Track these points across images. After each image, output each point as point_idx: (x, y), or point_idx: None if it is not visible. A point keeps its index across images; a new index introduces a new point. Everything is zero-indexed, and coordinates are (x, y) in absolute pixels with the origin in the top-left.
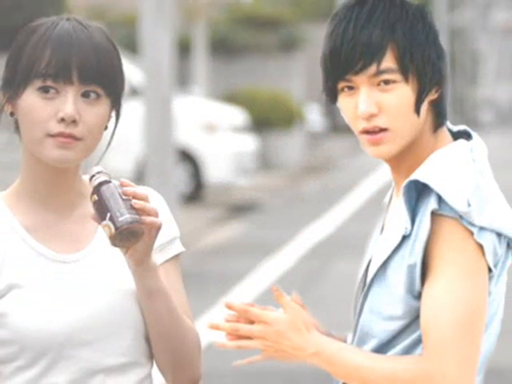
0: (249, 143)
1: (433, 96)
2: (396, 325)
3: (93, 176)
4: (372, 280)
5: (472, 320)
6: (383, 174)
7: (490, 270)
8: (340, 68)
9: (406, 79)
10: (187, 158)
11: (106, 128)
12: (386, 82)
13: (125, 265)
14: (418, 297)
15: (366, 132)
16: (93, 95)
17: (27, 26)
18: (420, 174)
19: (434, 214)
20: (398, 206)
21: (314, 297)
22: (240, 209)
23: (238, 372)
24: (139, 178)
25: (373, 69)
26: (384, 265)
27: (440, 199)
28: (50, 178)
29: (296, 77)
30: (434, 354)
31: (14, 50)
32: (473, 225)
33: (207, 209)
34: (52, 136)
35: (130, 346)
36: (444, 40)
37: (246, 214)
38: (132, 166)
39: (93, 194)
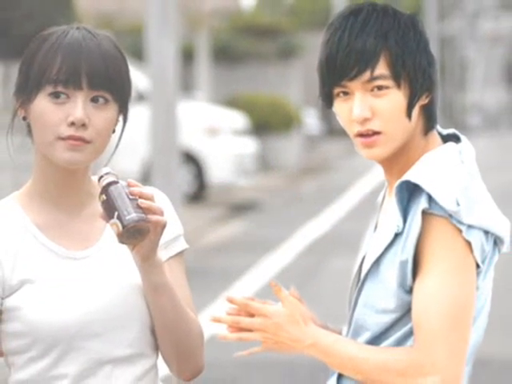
0: (249, 146)
1: (424, 101)
2: (388, 318)
3: (101, 177)
4: (366, 275)
5: (461, 313)
6: (376, 175)
7: (477, 265)
8: (336, 74)
9: (398, 85)
10: (191, 159)
11: (113, 131)
12: (379, 88)
13: (131, 261)
14: (410, 291)
15: (361, 135)
16: (101, 100)
17: (39, 34)
18: (411, 175)
19: (424, 212)
20: (390, 205)
21: (311, 291)
22: (241, 208)
23: (239, 363)
24: (145, 178)
25: (367, 75)
26: (377, 261)
27: (430, 199)
28: (60, 179)
29: (294, 83)
30: (425, 346)
31: (26, 58)
32: (461, 223)
33: (210, 208)
34: (63, 139)
35: (136, 338)
36: (434, 48)
37: (247, 213)
38: (138, 167)
39: (101, 193)
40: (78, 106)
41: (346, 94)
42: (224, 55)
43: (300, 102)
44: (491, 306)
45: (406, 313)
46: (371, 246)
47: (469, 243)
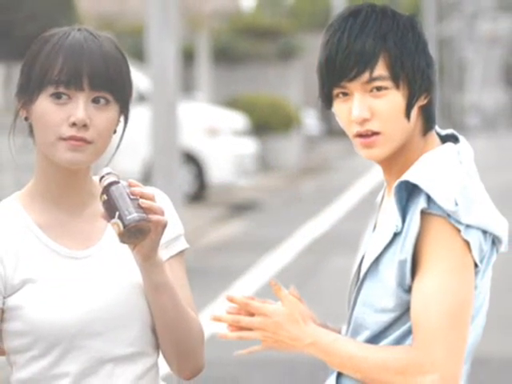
0: (249, 146)
1: (422, 102)
2: (388, 317)
3: (102, 177)
4: (365, 275)
5: (459, 312)
6: (375, 175)
7: (476, 265)
8: (335, 75)
9: (397, 86)
10: (191, 159)
11: (115, 132)
12: (378, 89)
13: (132, 260)
14: (409, 290)
15: (360, 135)
16: (102, 101)
17: (41, 35)
18: (410, 175)
19: (423, 212)
20: (389, 205)
21: (311, 290)
22: (241, 208)
23: (239, 361)
24: (146, 178)
25: (366, 76)
26: (376, 260)
27: (429, 199)
28: (62, 179)
29: (294, 84)
30: (424, 344)
31: (28, 59)
32: (460, 223)
33: (210, 208)
34: (64, 139)
35: (137, 337)
36: (433, 49)
37: (247, 213)
38: (139, 168)
39: (102, 193)
40: (80, 107)
41: (345, 94)
42: (224, 56)
43: (300, 102)
44: (490, 305)
45: (404, 312)
46: (370, 246)
47: (467, 243)
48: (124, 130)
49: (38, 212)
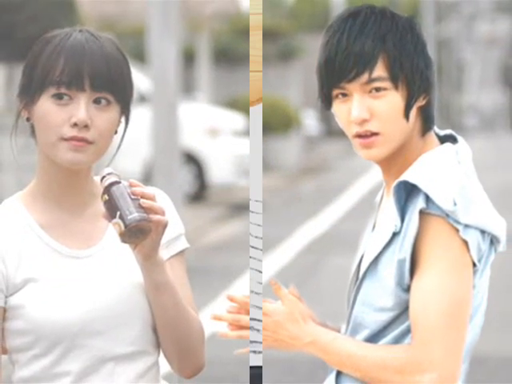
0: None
1: (421, 102)
2: (386, 316)
3: (104, 177)
4: (364, 274)
5: (458, 311)
6: (375, 175)
7: (474, 264)
8: (334, 76)
9: (396, 87)
10: (192, 160)
11: (116, 132)
12: (378, 90)
13: (133, 260)
14: (407, 290)
15: (359, 136)
16: (103, 101)
17: (42, 37)
18: (409, 175)
19: (422, 212)
20: (388, 205)
21: (310, 290)
22: (241, 208)
23: (239, 360)
24: (147, 178)
25: (365, 77)
26: (375, 260)
27: (428, 199)
28: (63, 179)
29: (293, 84)
30: (422, 343)
31: (29, 60)
32: (458, 223)
33: (210, 208)
34: (65, 140)
35: (138, 336)
36: (431, 50)
37: (247, 213)
38: (140, 168)
39: (104, 193)
40: (81, 108)
41: (344, 95)
42: (224, 57)
43: (299, 103)
44: (488, 305)
45: (403, 311)
46: (369, 245)
47: (465, 242)
48: (125, 130)
49: (39, 212)
